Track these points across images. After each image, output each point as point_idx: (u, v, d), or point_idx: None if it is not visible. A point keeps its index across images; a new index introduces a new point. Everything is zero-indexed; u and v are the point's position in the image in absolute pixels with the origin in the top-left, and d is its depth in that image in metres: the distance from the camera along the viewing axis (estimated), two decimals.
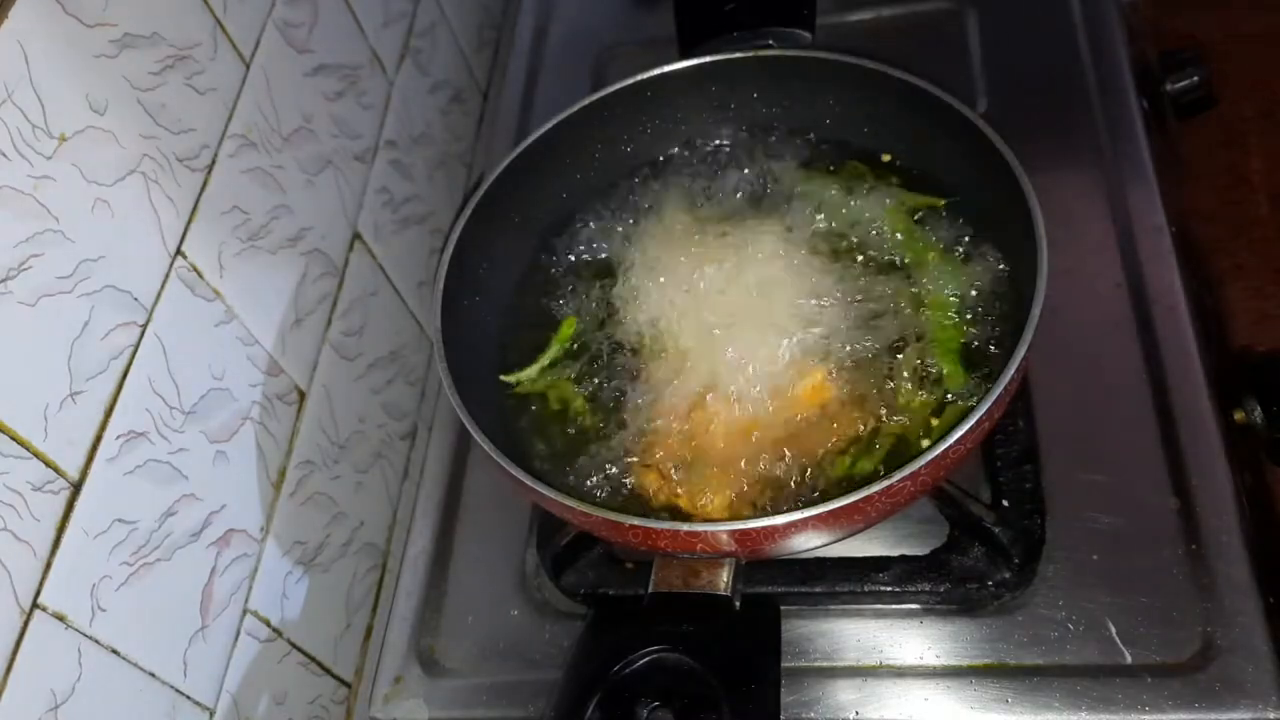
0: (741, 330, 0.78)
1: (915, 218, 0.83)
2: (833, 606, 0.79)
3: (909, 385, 0.75)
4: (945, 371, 0.75)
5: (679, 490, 0.74)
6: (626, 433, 0.78)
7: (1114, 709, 0.70)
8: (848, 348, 0.77)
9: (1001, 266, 0.79)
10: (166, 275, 0.72)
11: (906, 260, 0.81)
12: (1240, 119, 1.24)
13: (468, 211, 0.83)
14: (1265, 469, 0.84)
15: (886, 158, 0.88)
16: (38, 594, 0.60)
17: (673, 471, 0.75)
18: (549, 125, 0.88)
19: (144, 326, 0.70)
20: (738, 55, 0.89)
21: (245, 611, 0.78)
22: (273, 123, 0.86)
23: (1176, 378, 0.82)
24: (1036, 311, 0.66)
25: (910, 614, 0.78)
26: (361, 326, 0.97)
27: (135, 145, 0.70)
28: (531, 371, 0.83)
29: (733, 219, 0.87)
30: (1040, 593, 0.75)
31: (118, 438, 0.67)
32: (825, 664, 0.77)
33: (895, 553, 0.78)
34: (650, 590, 0.69)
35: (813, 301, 0.79)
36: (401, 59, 1.09)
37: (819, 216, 0.85)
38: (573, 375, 0.82)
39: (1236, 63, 1.24)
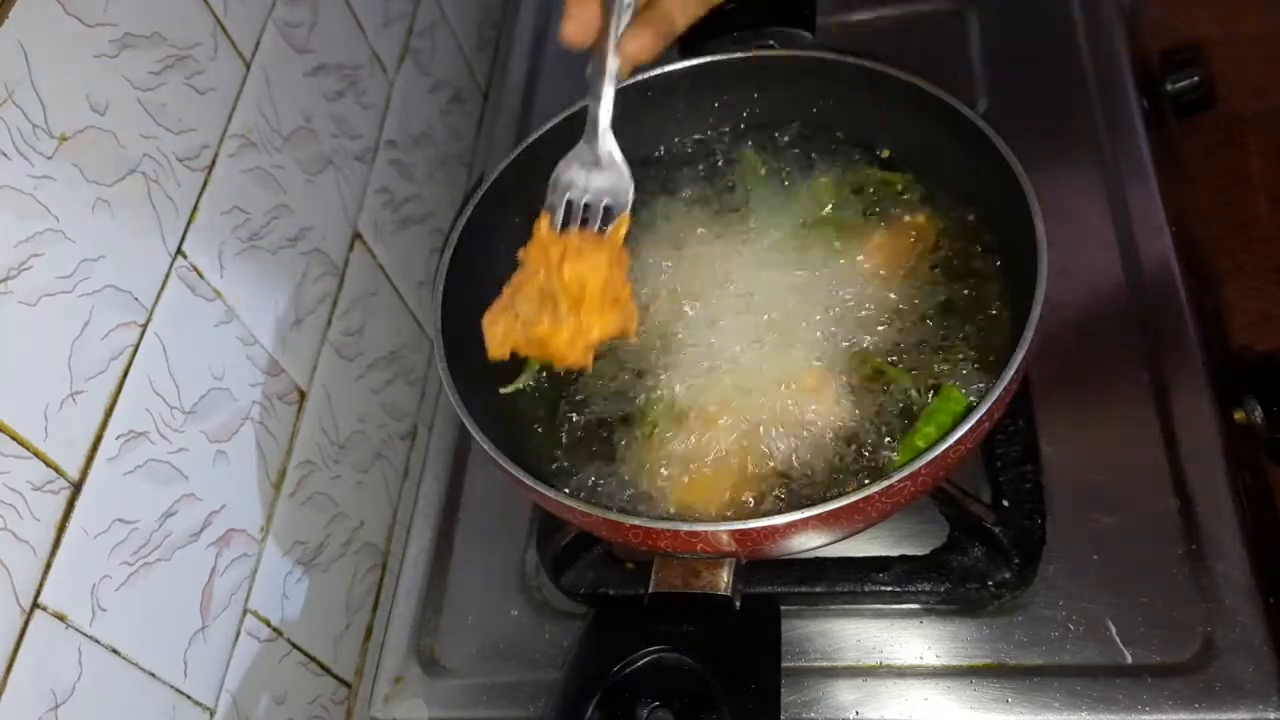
0: (741, 327, 0.78)
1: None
2: (833, 606, 0.79)
3: (910, 388, 0.75)
4: (921, 430, 0.72)
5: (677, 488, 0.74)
6: (628, 431, 0.78)
7: (1114, 709, 0.70)
8: (847, 346, 0.77)
9: (1001, 266, 0.79)
10: (167, 275, 0.72)
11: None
12: (1240, 119, 1.24)
13: (468, 211, 0.83)
14: (1265, 469, 0.84)
15: (886, 153, 0.88)
16: (38, 594, 0.60)
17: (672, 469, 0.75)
18: (549, 125, 0.88)
19: (144, 326, 0.70)
20: (738, 55, 0.88)
21: (245, 611, 0.78)
22: (273, 123, 0.86)
23: (1176, 378, 0.82)
24: (1036, 312, 0.66)
25: (910, 614, 0.78)
26: (361, 326, 0.97)
27: (135, 145, 0.70)
28: (523, 380, 0.82)
29: (733, 218, 0.87)
30: (1040, 593, 0.75)
31: (118, 438, 0.67)
32: (825, 664, 0.77)
33: (895, 553, 0.78)
34: (650, 590, 0.69)
35: (812, 300, 0.79)
36: (401, 59, 1.09)
37: (819, 216, 0.85)
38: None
39: (1236, 63, 1.24)
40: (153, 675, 0.68)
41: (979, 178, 0.78)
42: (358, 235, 0.98)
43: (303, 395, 0.88)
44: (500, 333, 0.72)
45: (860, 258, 0.81)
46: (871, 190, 0.86)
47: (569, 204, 0.71)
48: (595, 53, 0.67)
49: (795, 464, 0.73)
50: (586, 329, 0.68)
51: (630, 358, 0.82)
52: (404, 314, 1.06)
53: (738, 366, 0.77)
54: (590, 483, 0.77)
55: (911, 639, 0.76)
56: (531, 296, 0.70)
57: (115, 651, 0.65)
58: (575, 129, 0.88)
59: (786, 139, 0.92)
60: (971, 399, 0.72)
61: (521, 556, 0.87)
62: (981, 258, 0.80)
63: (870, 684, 0.75)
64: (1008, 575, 0.75)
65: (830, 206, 0.85)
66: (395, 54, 1.08)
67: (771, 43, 0.89)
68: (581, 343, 0.68)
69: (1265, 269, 1.15)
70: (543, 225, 0.71)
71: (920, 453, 0.63)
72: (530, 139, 0.87)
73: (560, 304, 0.68)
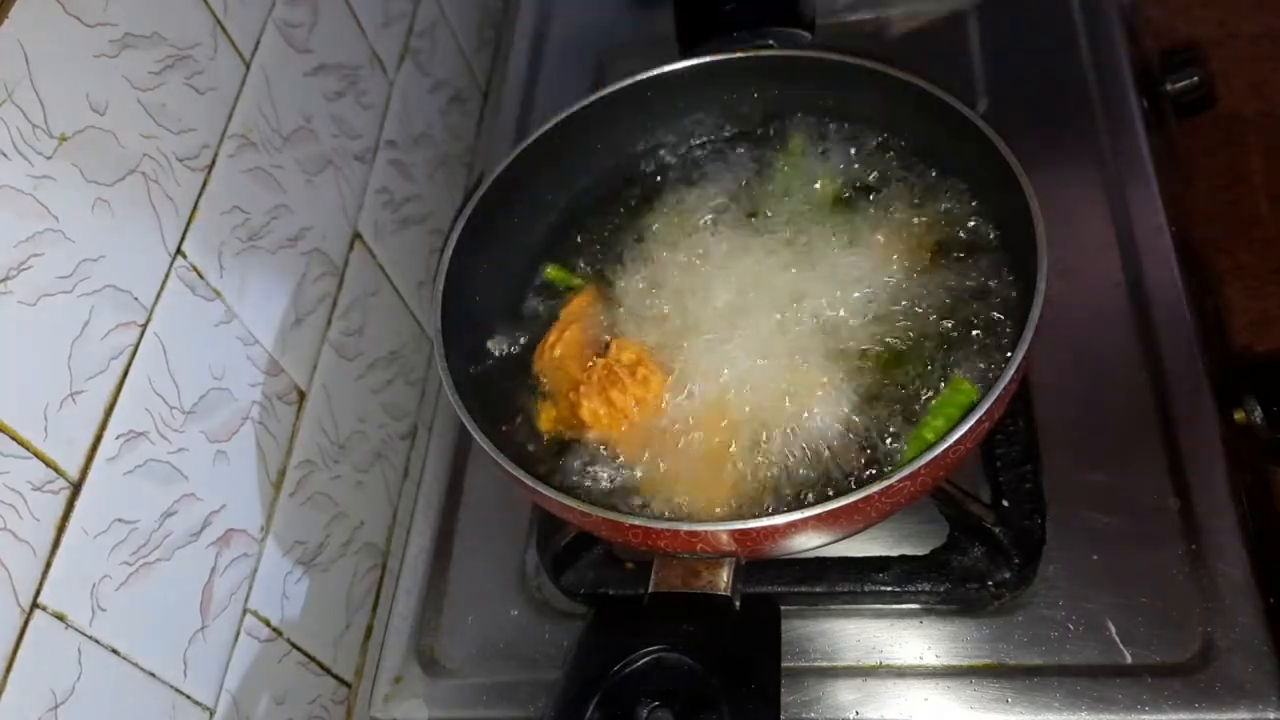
0: (742, 325, 0.78)
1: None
2: (833, 606, 0.79)
3: (910, 386, 0.75)
4: (930, 422, 0.72)
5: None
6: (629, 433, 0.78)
7: (1114, 709, 0.70)
8: (848, 344, 0.77)
9: (1001, 266, 0.79)
10: (166, 275, 0.72)
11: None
12: (1240, 119, 1.24)
13: (468, 211, 0.83)
14: (1265, 469, 0.84)
15: (885, 153, 0.88)
16: (38, 594, 0.60)
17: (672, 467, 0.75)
18: (549, 125, 0.88)
19: (144, 326, 0.70)
20: (738, 55, 0.88)
21: (245, 611, 0.78)
22: (273, 123, 0.86)
23: (1176, 378, 0.82)
24: (1036, 312, 0.66)
25: (910, 614, 0.78)
26: (361, 326, 0.97)
27: (135, 145, 0.70)
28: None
29: (733, 218, 0.87)
30: (1040, 593, 0.75)
31: (118, 437, 0.66)
32: (825, 664, 0.77)
33: (895, 553, 0.78)
34: (650, 590, 0.69)
35: (814, 298, 0.79)
36: (401, 59, 1.09)
37: (819, 214, 0.85)
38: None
39: (1236, 63, 1.24)
40: (153, 675, 0.68)
41: (979, 177, 0.78)
42: (358, 235, 0.98)
43: (303, 395, 0.88)
44: (552, 417, 0.80)
45: (860, 257, 0.81)
46: (871, 190, 0.86)
47: None
48: None
49: (795, 463, 0.73)
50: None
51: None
52: (404, 314, 1.06)
53: (738, 364, 0.77)
54: (591, 482, 0.77)
55: (911, 639, 0.76)
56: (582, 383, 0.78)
57: (115, 651, 0.65)
58: (575, 129, 0.89)
59: (786, 139, 0.92)
60: (980, 388, 0.72)
61: (521, 556, 0.87)
62: (981, 257, 0.80)
63: (870, 684, 0.75)
64: (1008, 575, 0.75)
65: (830, 205, 0.85)
66: (395, 54, 1.08)
67: (771, 43, 0.89)
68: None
69: (1265, 269, 1.15)
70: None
71: (919, 453, 0.63)
72: (530, 139, 0.87)
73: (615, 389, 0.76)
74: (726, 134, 0.94)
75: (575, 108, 0.88)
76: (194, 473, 0.73)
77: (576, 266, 0.89)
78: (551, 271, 0.88)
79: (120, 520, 0.66)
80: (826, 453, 0.73)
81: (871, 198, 0.86)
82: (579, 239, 0.91)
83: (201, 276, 0.76)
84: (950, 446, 0.63)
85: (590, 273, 0.88)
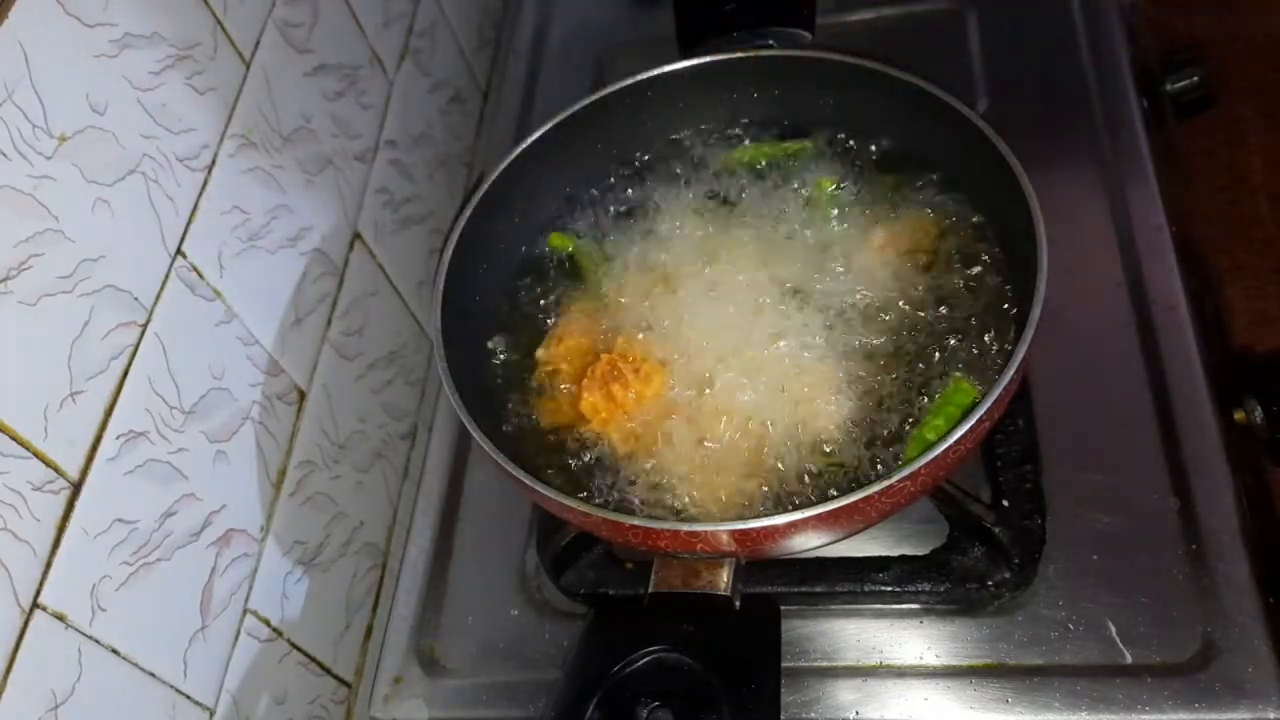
0: (741, 325, 0.78)
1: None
2: (833, 606, 0.79)
3: (910, 386, 0.75)
4: (930, 422, 0.72)
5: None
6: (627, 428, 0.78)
7: (1114, 709, 0.70)
8: (848, 344, 0.77)
9: (1001, 265, 0.79)
10: (166, 275, 0.72)
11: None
12: (1240, 119, 1.24)
13: (468, 211, 0.83)
14: (1265, 469, 0.84)
15: (885, 153, 0.88)
16: (38, 594, 0.60)
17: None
18: (549, 125, 0.88)
19: (144, 326, 0.70)
20: (738, 55, 0.89)
21: (245, 611, 0.78)
22: (273, 123, 0.86)
23: (1176, 378, 0.82)
24: (1036, 312, 0.66)
25: (910, 614, 0.78)
26: (361, 326, 0.97)
27: (135, 145, 0.70)
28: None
29: (733, 218, 0.87)
30: (1040, 593, 0.75)
31: (118, 438, 0.67)
32: (825, 664, 0.77)
33: (895, 553, 0.78)
34: (650, 590, 0.69)
35: (813, 297, 0.79)
36: (401, 59, 1.09)
37: (819, 214, 0.85)
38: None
39: (1236, 63, 1.24)
40: (153, 675, 0.68)
41: (979, 178, 0.78)
42: (358, 235, 0.98)
43: (303, 395, 0.88)
44: (551, 410, 0.80)
45: (861, 256, 0.81)
46: (871, 190, 0.86)
47: None
48: None
49: (796, 463, 0.73)
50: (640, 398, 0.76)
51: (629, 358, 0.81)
52: (404, 314, 1.06)
53: (737, 364, 0.77)
54: (591, 483, 0.77)
55: (911, 639, 0.76)
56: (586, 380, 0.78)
57: (115, 651, 0.65)
58: (575, 129, 0.89)
59: (785, 139, 0.92)
60: (980, 389, 0.72)
61: (521, 556, 0.87)
62: (982, 257, 0.80)
63: (870, 684, 0.75)
64: (1008, 575, 0.75)
65: (830, 205, 0.85)
66: (395, 54, 1.08)
67: (771, 43, 0.89)
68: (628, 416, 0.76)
69: (1265, 269, 1.15)
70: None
71: (919, 453, 0.63)
72: (530, 139, 0.87)
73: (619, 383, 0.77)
74: (726, 134, 0.94)
75: (575, 108, 0.88)
76: (194, 473, 0.73)
77: (576, 264, 0.89)
78: (555, 239, 0.90)
79: (120, 520, 0.66)
80: (827, 452, 0.73)
81: (871, 197, 0.86)
82: (578, 239, 0.91)
83: (201, 276, 0.76)
84: (950, 446, 0.63)
85: (592, 241, 0.89)
